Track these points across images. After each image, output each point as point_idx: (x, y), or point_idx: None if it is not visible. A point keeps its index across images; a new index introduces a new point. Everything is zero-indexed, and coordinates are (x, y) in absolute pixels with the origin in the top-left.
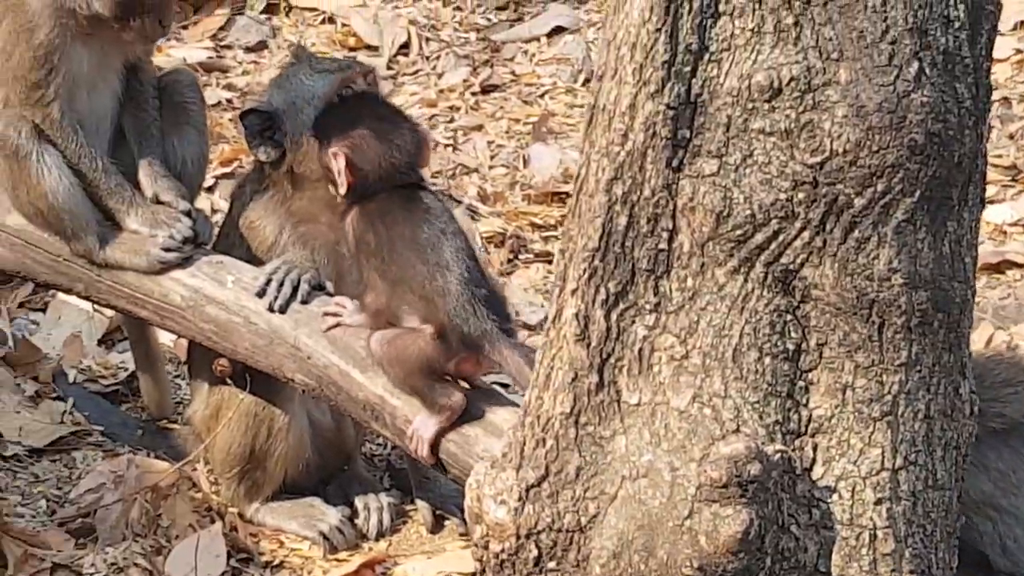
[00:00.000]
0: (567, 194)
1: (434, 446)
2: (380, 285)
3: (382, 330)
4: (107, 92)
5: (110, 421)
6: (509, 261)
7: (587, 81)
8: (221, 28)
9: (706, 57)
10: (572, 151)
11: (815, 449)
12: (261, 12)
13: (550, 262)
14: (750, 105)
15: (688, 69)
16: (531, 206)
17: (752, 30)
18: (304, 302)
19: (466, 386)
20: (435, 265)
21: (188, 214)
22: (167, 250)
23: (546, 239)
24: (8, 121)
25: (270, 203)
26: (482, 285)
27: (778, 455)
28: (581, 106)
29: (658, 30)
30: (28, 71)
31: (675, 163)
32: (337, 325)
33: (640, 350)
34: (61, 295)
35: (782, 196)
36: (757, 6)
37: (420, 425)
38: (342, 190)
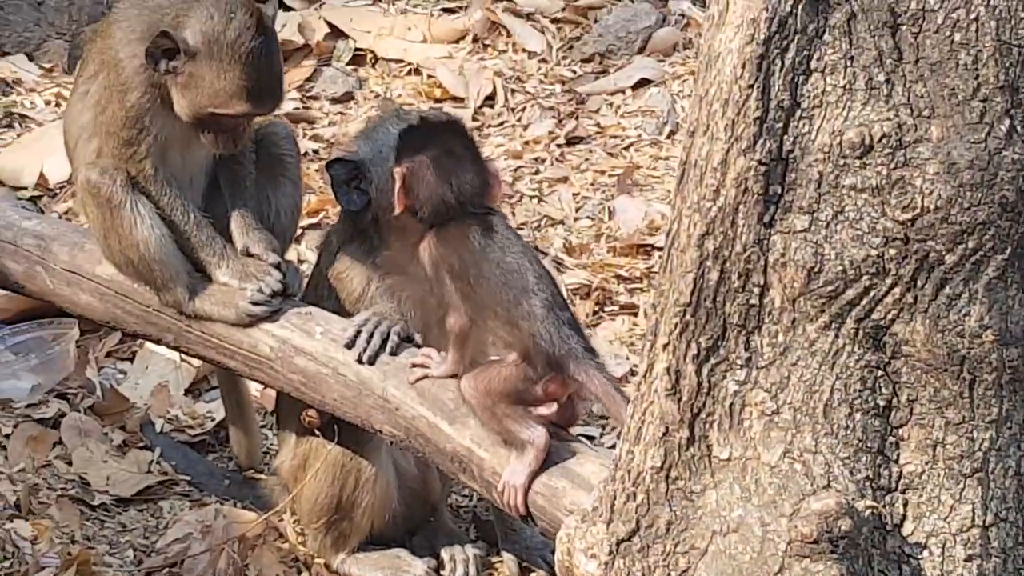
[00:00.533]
0: (652, 247)
1: (526, 493)
2: (462, 307)
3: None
4: (200, 149)
5: (197, 471)
6: (594, 313)
7: (672, 134)
8: (308, 79)
9: (798, 114)
10: (657, 203)
11: (905, 505)
12: (348, 63)
13: (635, 314)
14: (841, 162)
15: (780, 125)
16: (616, 258)
17: (844, 87)
18: (393, 354)
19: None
20: (520, 290)
21: (278, 267)
22: (256, 304)
23: (631, 291)
24: (103, 170)
25: (357, 254)
26: (566, 309)
27: (868, 511)
28: (666, 159)
29: (750, 87)
30: (120, 128)
31: (767, 219)
32: (424, 377)
33: (731, 405)
34: (149, 345)
35: (873, 252)
36: (849, 63)
37: (510, 475)
38: (396, 210)
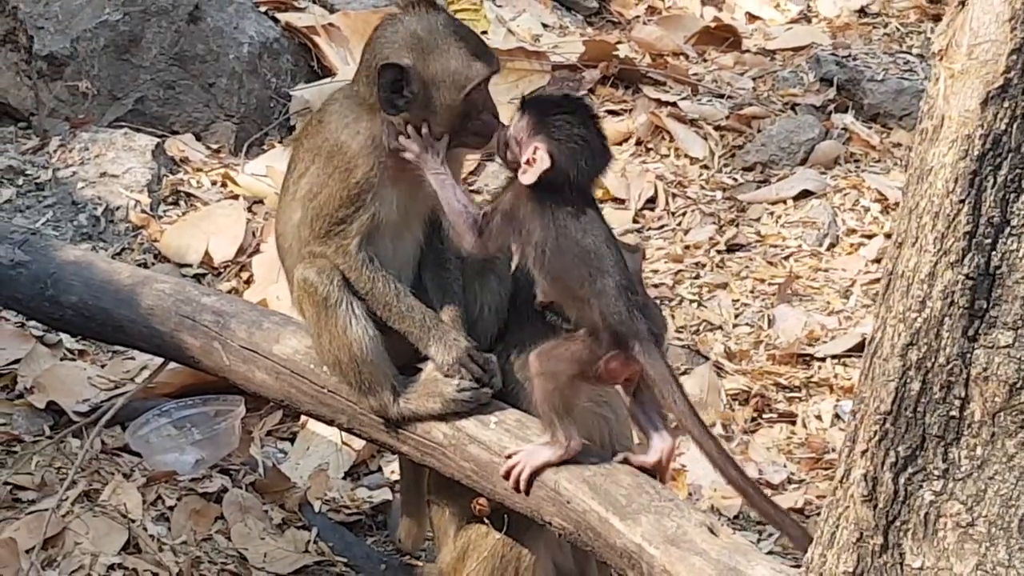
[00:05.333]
0: (812, 356)
1: (534, 475)
2: (536, 276)
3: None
4: (410, 240)
5: (354, 553)
6: (753, 420)
7: (832, 246)
8: (471, 172)
9: (1007, 230)
10: (816, 314)
11: None
12: None
13: (793, 423)
14: None
15: (989, 241)
16: (776, 366)
17: None
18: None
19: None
20: (596, 269)
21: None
22: (463, 390)
23: (790, 400)
24: (320, 269)
25: None
26: (637, 293)
27: None
28: (826, 270)
29: (961, 201)
30: (336, 208)
31: (971, 332)
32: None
33: (926, 515)
34: (310, 425)
35: None
36: None
37: (530, 454)
38: (530, 179)
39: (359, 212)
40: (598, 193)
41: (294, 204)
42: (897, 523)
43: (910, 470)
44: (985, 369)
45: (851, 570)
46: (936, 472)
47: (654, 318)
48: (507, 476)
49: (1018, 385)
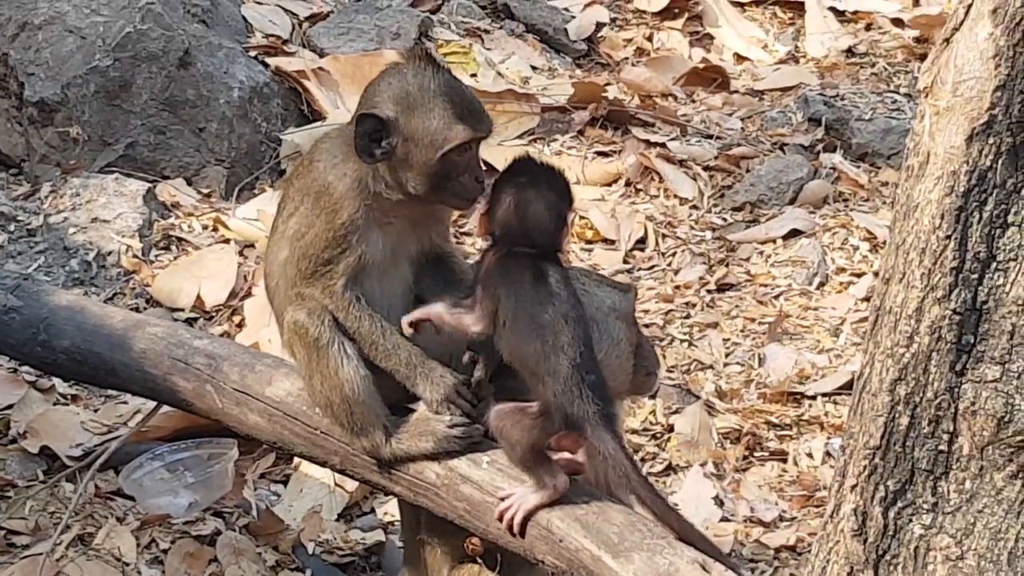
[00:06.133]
0: (802, 395)
1: (527, 518)
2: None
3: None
4: (398, 280)
5: None
6: (744, 458)
7: (821, 284)
8: (461, 215)
9: (993, 265)
10: (807, 352)
11: None
12: None
13: (785, 460)
14: None
15: (975, 276)
16: (766, 404)
17: None
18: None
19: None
20: (551, 347)
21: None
22: (454, 426)
23: (781, 438)
24: (311, 311)
25: None
26: (592, 371)
27: None
28: (815, 309)
29: (948, 237)
30: (322, 249)
31: (958, 367)
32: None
33: (916, 548)
34: (304, 468)
35: None
36: None
37: (521, 497)
38: (477, 231)
39: (345, 253)
40: (587, 235)
41: (282, 243)
42: (887, 557)
43: (899, 504)
44: (973, 403)
45: None
46: (925, 506)
47: (647, 360)
48: (500, 519)
49: (1006, 419)
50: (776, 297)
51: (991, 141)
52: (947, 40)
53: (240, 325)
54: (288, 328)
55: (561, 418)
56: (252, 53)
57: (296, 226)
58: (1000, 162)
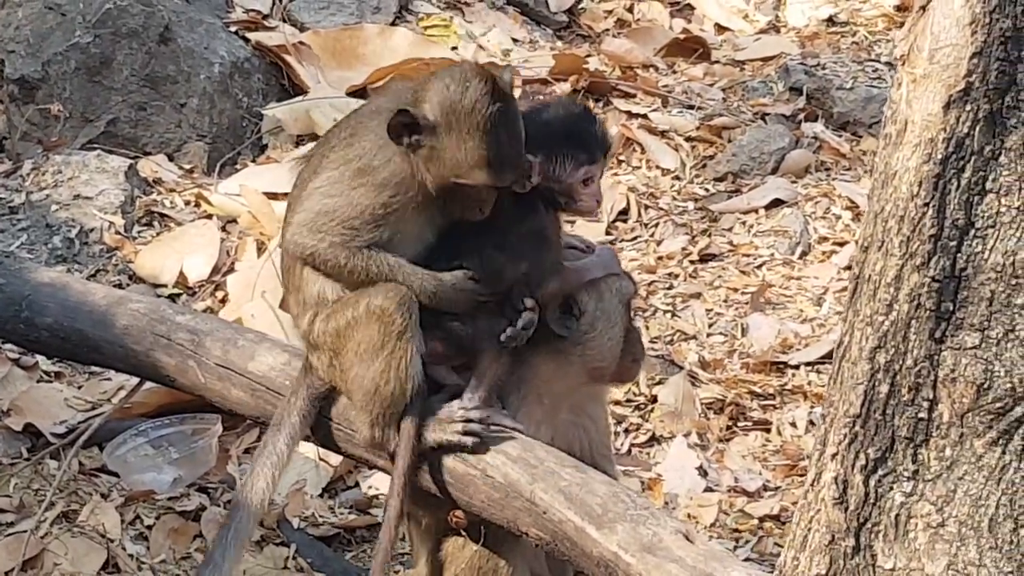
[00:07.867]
0: (785, 364)
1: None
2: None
3: None
4: (421, 247)
5: (332, 568)
6: (728, 428)
7: (804, 254)
8: None
9: (971, 233)
10: (790, 322)
11: None
12: None
13: (768, 430)
14: (1013, 281)
15: (954, 244)
16: (750, 374)
17: (1018, 208)
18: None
19: None
20: None
21: None
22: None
23: (764, 408)
24: (401, 300)
25: None
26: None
27: None
28: (798, 278)
29: (926, 205)
30: (357, 216)
31: (938, 335)
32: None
33: (897, 516)
34: None
35: None
36: (1023, 185)
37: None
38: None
39: (379, 230)
40: None
41: (314, 196)
42: (868, 525)
43: (880, 472)
44: (952, 371)
45: (823, 573)
46: (906, 474)
47: (634, 348)
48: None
49: (985, 386)
50: (759, 267)
51: (968, 108)
52: (924, 7)
53: (223, 300)
54: (367, 309)
55: None
56: (232, 28)
57: (328, 186)
58: (978, 129)
